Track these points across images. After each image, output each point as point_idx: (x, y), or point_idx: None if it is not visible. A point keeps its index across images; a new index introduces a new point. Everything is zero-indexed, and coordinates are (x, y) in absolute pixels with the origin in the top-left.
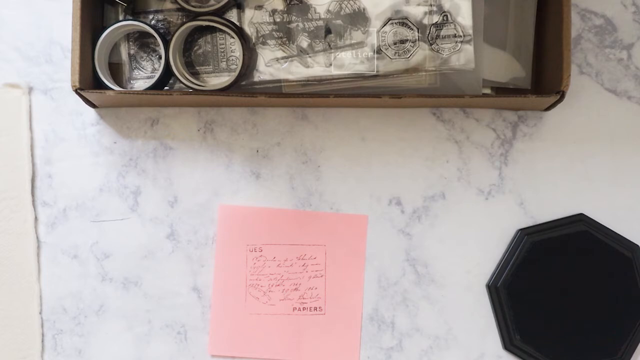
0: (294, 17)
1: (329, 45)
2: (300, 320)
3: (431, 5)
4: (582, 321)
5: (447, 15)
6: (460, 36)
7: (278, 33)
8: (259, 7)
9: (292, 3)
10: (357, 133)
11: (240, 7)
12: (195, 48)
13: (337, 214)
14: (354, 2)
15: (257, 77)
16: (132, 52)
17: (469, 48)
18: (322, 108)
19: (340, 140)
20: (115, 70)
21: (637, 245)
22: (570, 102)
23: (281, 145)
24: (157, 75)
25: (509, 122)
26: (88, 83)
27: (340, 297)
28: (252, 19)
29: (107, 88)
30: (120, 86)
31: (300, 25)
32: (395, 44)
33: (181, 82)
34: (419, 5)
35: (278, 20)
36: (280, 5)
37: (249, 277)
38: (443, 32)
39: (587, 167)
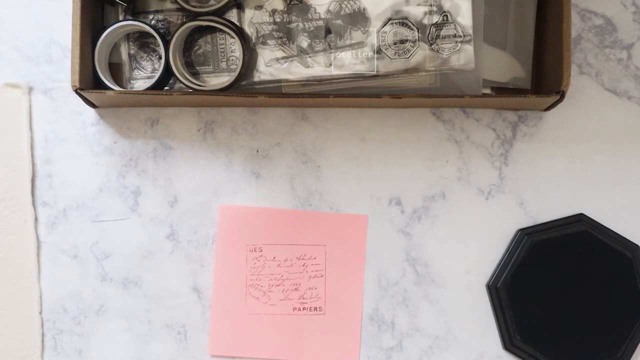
0: (294, 17)
1: (329, 45)
2: (300, 320)
3: (431, 5)
4: (582, 321)
5: (447, 15)
6: (460, 36)
7: (278, 33)
8: (259, 7)
9: (292, 3)
10: (357, 133)
11: (240, 7)
12: (195, 48)
13: (337, 214)
14: (354, 2)
15: (257, 77)
16: (132, 52)
17: (469, 48)
18: (322, 108)
19: (340, 140)
20: (115, 70)
21: (637, 245)
22: (570, 102)
23: (281, 145)
24: (157, 75)
25: (509, 122)
26: (88, 83)
27: (340, 297)
28: (252, 19)
29: (107, 88)
30: (120, 86)
31: (300, 25)
32: (395, 44)
33: (181, 82)
34: (419, 5)
35: (278, 20)
36: (280, 5)
37: (249, 277)
38: (443, 32)
39: (587, 167)
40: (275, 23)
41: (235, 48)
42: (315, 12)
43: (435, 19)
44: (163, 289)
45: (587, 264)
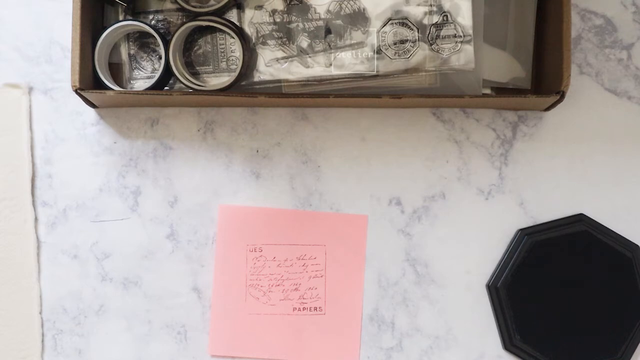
0: (294, 17)
1: (329, 45)
2: (300, 320)
3: (431, 5)
4: (582, 321)
5: (447, 16)
6: (460, 36)
7: (278, 33)
8: (259, 7)
9: (292, 3)
10: (357, 133)
11: (240, 7)
12: (195, 48)
13: (337, 214)
14: (354, 2)
15: (257, 77)
16: (132, 52)
17: (469, 48)
18: (322, 108)
19: (340, 140)
20: (115, 70)
21: (637, 245)
22: (570, 102)
23: (281, 145)
24: (157, 75)
25: (509, 122)
26: (88, 83)
27: (340, 297)
28: (252, 19)
29: (107, 88)
30: (120, 86)
31: (300, 25)
32: (395, 44)
33: (181, 82)
34: (419, 5)
35: (278, 20)
36: (280, 6)
37: (249, 277)
38: (443, 32)
39: (587, 167)
40: (275, 23)
41: (235, 48)
42: (315, 12)
43: (435, 19)
44: (163, 289)
45: (587, 264)
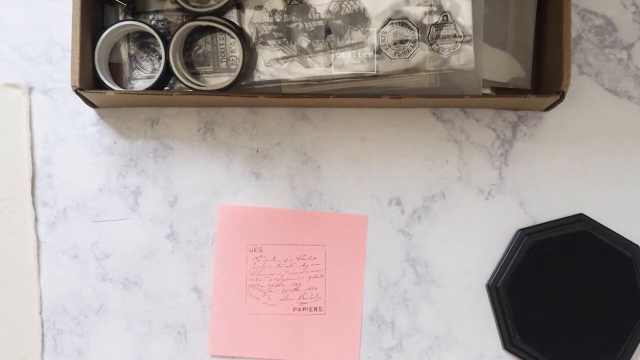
0: (294, 17)
1: (329, 45)
2: (300, 320)
3: (431, 5)
4: (582, 321)
5: (447, 16)
6: (460, 36)
7: (278, 33)
8: (259, 7)
9: (292, 3)
10: (357, 133)
11: (240, 7)
12: (195, 48)
13: (337, 214)
14: (354, 2)
15: (257, 77)
16: (132, 52)
17: (469, 48)
18: (322, 108)
19: (340, 140)
20: (115, 70)
21: (637, 245)
22: (570, 102)
23: (281, 145)
24: (157, 75)
25: (509, 122)
26: (88, 83)
27: (340, 297)
28: (252, 19)
29: (107, 88)
30: (120, 86)
31: (300, 25)
32: (395, 44)
33: (181, 82)
34: (419, 5)
35: (278, 20)
36: (280, 6)
37: (249, 277)
38: (443, 32)
39: (587, 167)
40: (275, 23)
41: (235, 48)
42: (315, 12)
43: (435, 19)
44: (163, 289)
45: (587, 264)
